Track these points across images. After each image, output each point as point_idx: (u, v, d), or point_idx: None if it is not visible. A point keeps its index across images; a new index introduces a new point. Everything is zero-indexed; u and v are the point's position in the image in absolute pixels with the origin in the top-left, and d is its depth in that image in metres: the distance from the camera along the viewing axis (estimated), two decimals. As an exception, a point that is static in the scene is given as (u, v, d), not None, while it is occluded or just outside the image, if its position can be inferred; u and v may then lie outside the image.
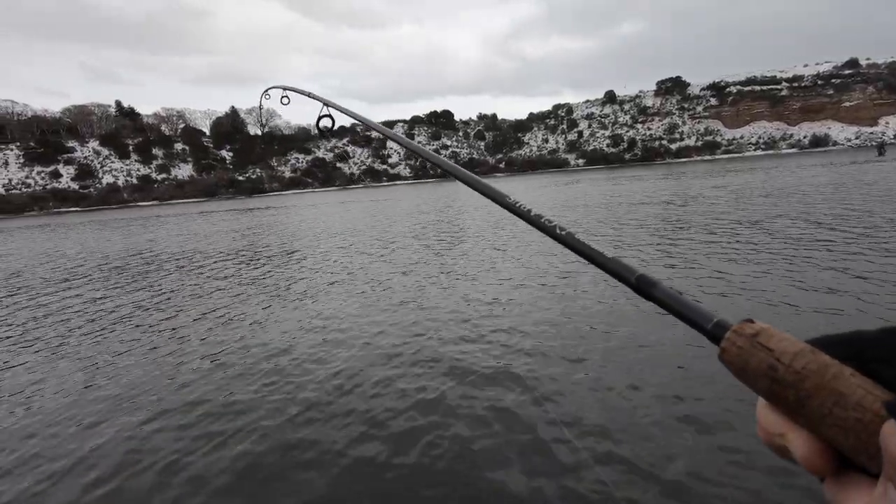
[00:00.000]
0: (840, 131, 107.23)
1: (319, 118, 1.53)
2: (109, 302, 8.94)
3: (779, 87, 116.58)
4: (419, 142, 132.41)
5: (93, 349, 6.17)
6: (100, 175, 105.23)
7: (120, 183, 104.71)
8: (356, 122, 1.39)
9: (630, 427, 3.41)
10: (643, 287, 0.42)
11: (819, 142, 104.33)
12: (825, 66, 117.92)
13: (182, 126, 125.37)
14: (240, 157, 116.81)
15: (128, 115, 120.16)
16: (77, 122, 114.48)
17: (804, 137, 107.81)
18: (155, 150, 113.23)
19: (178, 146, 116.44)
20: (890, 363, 0.28)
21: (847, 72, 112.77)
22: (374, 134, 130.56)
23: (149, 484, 3.22)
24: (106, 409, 4.40)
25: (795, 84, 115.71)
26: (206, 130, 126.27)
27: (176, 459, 3.47)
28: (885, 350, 0.29)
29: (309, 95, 1.68)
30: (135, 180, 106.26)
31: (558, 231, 0.52)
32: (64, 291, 10.39)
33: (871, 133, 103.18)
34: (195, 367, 5.23)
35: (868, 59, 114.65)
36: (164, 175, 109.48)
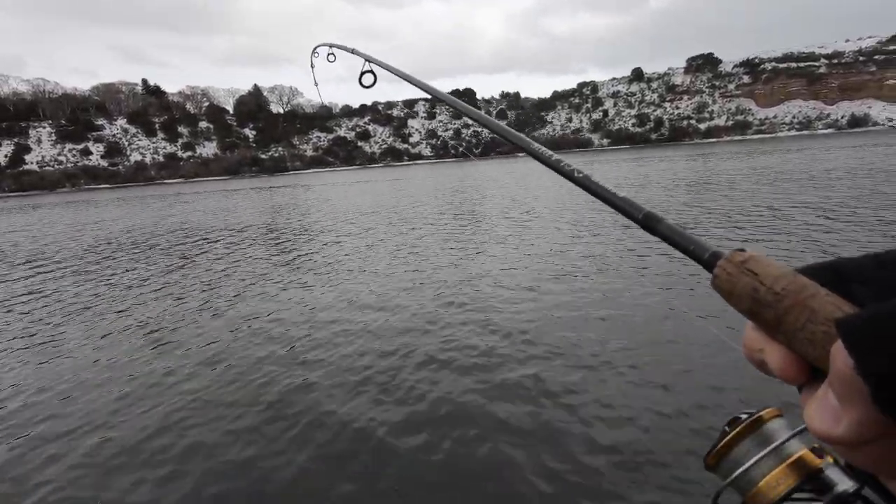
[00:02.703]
0: (882, 111, 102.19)
1: (362, 74, 1.54)
2: (144, 272, 9.24)
3: (817, 63, 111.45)
4: (440, 121, 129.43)
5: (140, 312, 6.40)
6: (128, 152, 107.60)
7: (147, 160, 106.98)
8: (405, 80, 1.33)
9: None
10: (649, 223, 0.46)
11: (858, 122, 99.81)
12: (868, 41, 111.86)
13: (206, 104, 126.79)
14: (263, 136, 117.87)
15: (154, 93, 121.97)
16: (105, 100, 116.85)
17: (842, 117, 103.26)
18: (180, 129, 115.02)
19: (203, 124, 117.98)
20: (862, 283, 0.31)
21: (892, 47, 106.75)
22: (395, 112, 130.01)
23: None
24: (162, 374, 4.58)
25: (835, 60, 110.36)
26: (230, 109, 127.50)
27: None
28: (860, 271, 0.31)
29: (352, 52, 1.70)
30: (161, 158, 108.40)
31: (576, 174, 0.57)
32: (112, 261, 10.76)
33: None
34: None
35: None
36: (189, 153, 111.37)
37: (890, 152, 28.08)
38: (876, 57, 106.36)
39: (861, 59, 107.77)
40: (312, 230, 14.13)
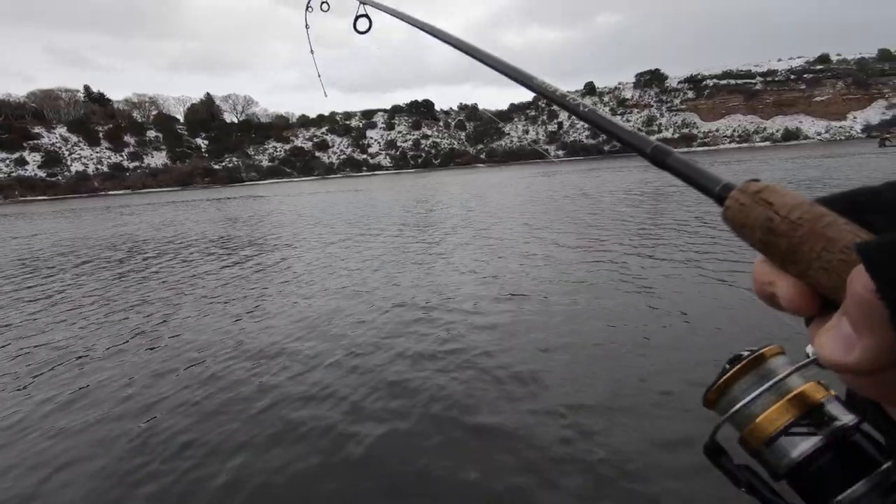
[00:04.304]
0: (811, 125, 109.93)
1: (356, 18, 1.42)
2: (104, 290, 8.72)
3: (753, 81, 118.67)
4: (399, 131, 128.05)
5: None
6: (68, 163, 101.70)
7: (90, 171, 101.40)
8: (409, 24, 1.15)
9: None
10: (658, 156, 0.45)
11: (791, 135, 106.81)
12: (798, 60, 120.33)
13: (155, 113, 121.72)
14: (216, 145, 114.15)
15: (97, 100, 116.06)
16: (43, 107, 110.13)
17: (777, 131, 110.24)
18: (126, 138, 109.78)
19: (151, 133, 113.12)
20: (880, 211, 0.30)
21: (818, 67, 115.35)
22: (354, 123, 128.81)
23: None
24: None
25: (769, 78, 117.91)
26: (180, 117, 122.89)
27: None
28: (878, 199, 0.30)
29: None
30: (105, 168, 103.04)
31: (582, 108, 0.56)
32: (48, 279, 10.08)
33: (840, 127, 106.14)
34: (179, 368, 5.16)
35: (838, 54, 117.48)
36: (136, 163, 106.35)
37: (810, 164, 30.21)
38: (805, 76, 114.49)
39: (792, 77, 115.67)
40: (263, 244, 13.79)
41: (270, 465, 3.20)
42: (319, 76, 2.52)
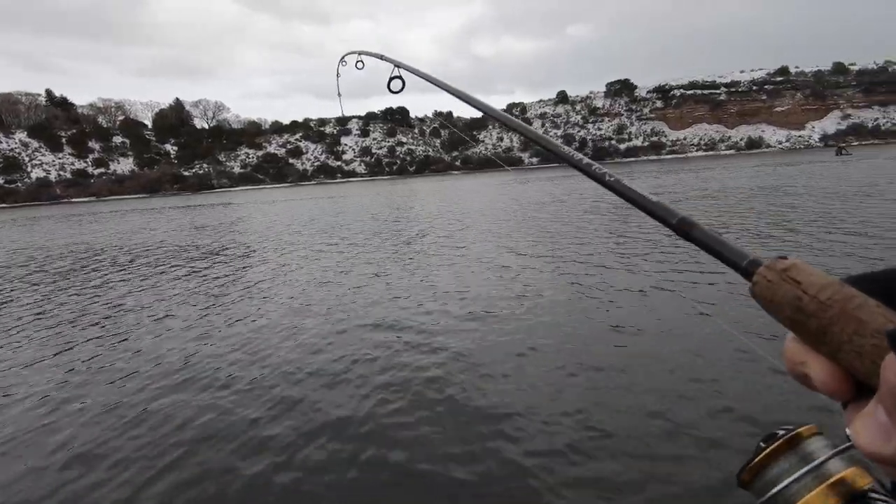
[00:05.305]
0: (773, 134, 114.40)
1: (390, 79, 1.51)
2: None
3: (718, 91, 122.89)
4: (374, 138, 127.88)
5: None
6: (28, 169, 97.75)
7: (52, 177, 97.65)
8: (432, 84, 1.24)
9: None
10: (683, 228, 0.45)
11: (754, 144, 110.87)
12: (759, 72, 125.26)
13: (121, 118, 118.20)
14: (185, 152, 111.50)
15: (60, 104, 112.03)
16: (1, 111, 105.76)
17: (741, 140, 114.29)
18: (91, 143, 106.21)
19: (118, 139, 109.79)
20: None
21: (778, 79, 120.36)
22: (328, 129, 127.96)
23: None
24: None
25: (733, 89, 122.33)
26: (149, 123, 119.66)
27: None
28: None
29: (381, 58, 1.67)
30: (69, 175, 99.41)
31: (607, 178, 0.57)
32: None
33: (800, 136, 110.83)
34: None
35: (797, 67, 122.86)
36: (101, 169, 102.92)
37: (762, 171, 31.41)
38: (766, 87, 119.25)
39: (754, 88, 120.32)
40: (227, 254, 13.54)
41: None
42: (343, 113, 3.12)
